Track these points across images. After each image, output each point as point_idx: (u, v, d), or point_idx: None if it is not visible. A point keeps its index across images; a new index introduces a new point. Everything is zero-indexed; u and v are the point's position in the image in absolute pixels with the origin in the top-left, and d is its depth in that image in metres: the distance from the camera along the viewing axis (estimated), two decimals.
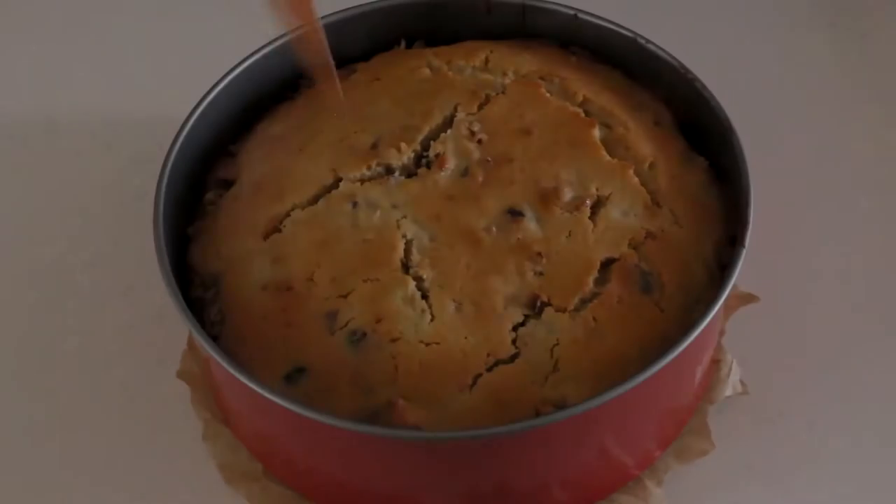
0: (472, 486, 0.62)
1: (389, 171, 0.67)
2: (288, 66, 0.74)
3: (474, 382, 0.60)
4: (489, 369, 0.61)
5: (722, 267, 0.65)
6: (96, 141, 0.85)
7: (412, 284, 0.62)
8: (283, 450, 0.65)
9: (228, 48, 0.73)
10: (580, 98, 0.70)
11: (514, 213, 0.65)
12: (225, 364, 0.59)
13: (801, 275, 0.76)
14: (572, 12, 0.74)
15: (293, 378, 0.61)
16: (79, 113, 0.87)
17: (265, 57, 0.72)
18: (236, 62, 0.72)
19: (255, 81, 0.72)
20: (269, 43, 0.73)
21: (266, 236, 0.65)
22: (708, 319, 0.60)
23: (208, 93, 0.70)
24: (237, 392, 0.64)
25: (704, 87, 0.69)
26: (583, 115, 0.68)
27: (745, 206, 0.64)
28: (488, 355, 0.61)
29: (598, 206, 0.65)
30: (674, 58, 0.71)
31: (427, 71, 0.71)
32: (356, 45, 0.75)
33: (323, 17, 0.74)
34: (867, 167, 0.82)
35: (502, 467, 0.61)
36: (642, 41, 0.72)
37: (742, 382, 0.70)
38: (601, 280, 0.63)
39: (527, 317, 0.62)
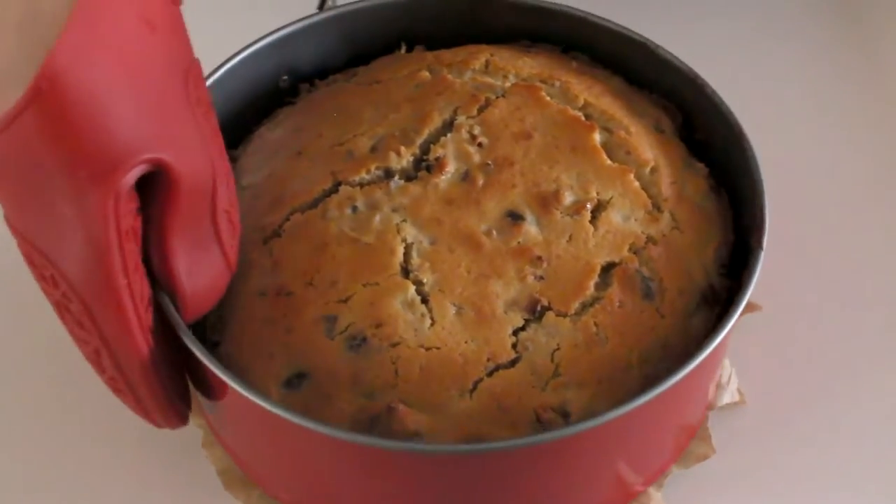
0: (473, 496, 0.62)
1: (389, 174, 0.66)
2: (284, 64, 0.74)
3: (475, 387, 0.60)
4: (489, 374, 0.60)
5: (721, 273, 0.65)
6: None
7: (412, 289, 0.62)
8: (276, 461, 0.65)
9: (226, 49, 0.72)
10: (581, 102, 0.69)
11: (515, 217, 0.64)
12: (221, 374, 0.59)
13: (800, 283, 0.76)
14: (580, 15, 0.73)
15: (293, 383, 0.61)
16: None
17: (255, 53, 0.72)
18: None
19: (246, 79, 0.72)
20: (259, 39, 0.72)
21: (265, 241, 0.65)
22: (728, 328, 0.59)
23: None
24: (232, 401, 0.63)
25: (714, 92, 0.69)
26: (583, 118, 0.68)
27: (761, 209, 0.63)
28: (488, 360, 0.61)
29: (598, 210, 0.65)
30: (684, 63, 0.71)
31: (427, 74, 0.71)
32: (355, 48, 0.75)
33: (322, 17, 0.74)
34: (873, 176, 0.82)
35: (502, 477, 0.60)
36: (652, 46, 0.72)
37: (740, 392, 0.70)
38: (602, 285, 0.63)
39: (527, 321, 0.62)
